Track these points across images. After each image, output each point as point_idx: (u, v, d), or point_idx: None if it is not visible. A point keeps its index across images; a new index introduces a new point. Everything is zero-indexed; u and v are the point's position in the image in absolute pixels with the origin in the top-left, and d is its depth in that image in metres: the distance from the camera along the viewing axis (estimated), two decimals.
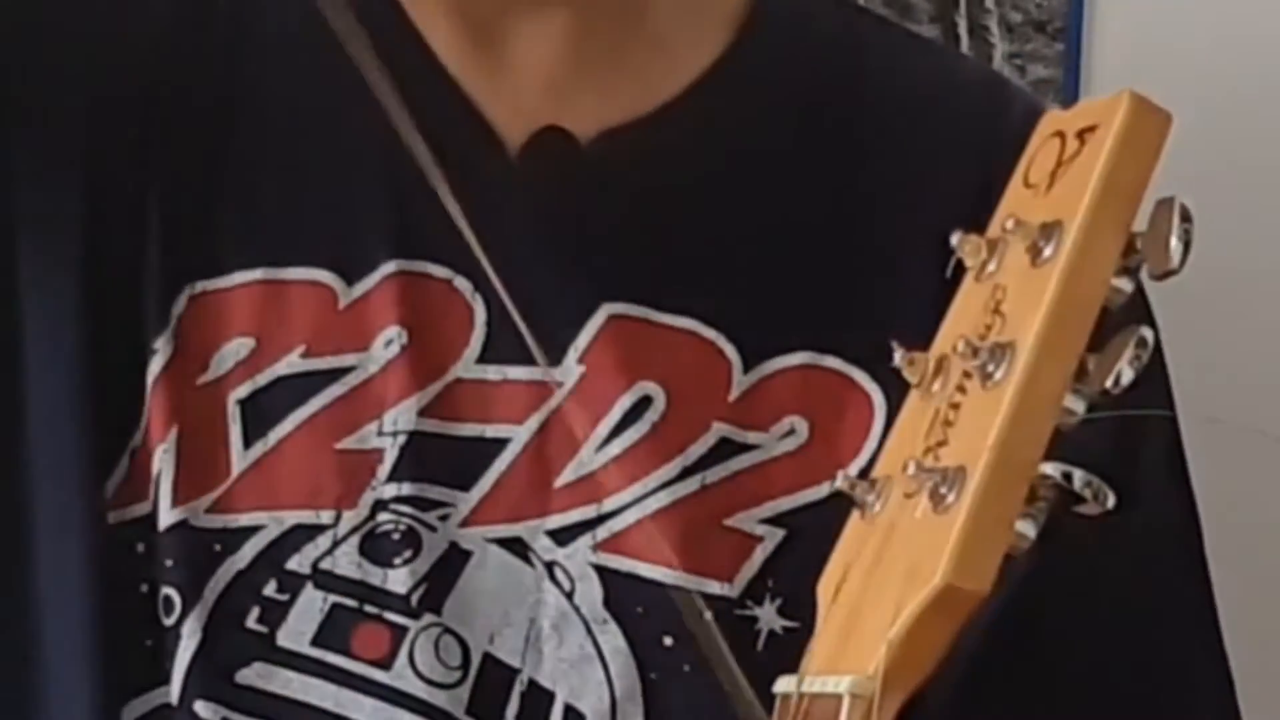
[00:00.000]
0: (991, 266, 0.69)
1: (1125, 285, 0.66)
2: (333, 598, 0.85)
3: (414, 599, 0.85)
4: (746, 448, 0.87)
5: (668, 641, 0.84)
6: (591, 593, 0.85)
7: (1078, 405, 0.65)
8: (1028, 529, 0.65)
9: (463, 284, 0.87)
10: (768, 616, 0.84)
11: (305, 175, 0.88)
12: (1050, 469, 0.64)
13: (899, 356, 0.69)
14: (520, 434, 0.86)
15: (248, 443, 0.86)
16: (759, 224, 0.89)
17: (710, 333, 0.87)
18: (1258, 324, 1.59)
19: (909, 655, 0.64)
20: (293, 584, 0.85)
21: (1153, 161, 0.67)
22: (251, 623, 0.85)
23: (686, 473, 0.86)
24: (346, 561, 0.85)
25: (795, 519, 0.86)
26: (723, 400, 0.87)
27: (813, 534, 0.85)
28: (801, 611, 0.82)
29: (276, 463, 0.86)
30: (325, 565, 0.85)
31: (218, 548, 0.85)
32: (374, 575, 0.85)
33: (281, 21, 0.90)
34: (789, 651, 0.82)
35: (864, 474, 0.69)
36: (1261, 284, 1.59)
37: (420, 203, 0.87)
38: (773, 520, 0.86)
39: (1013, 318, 0.67)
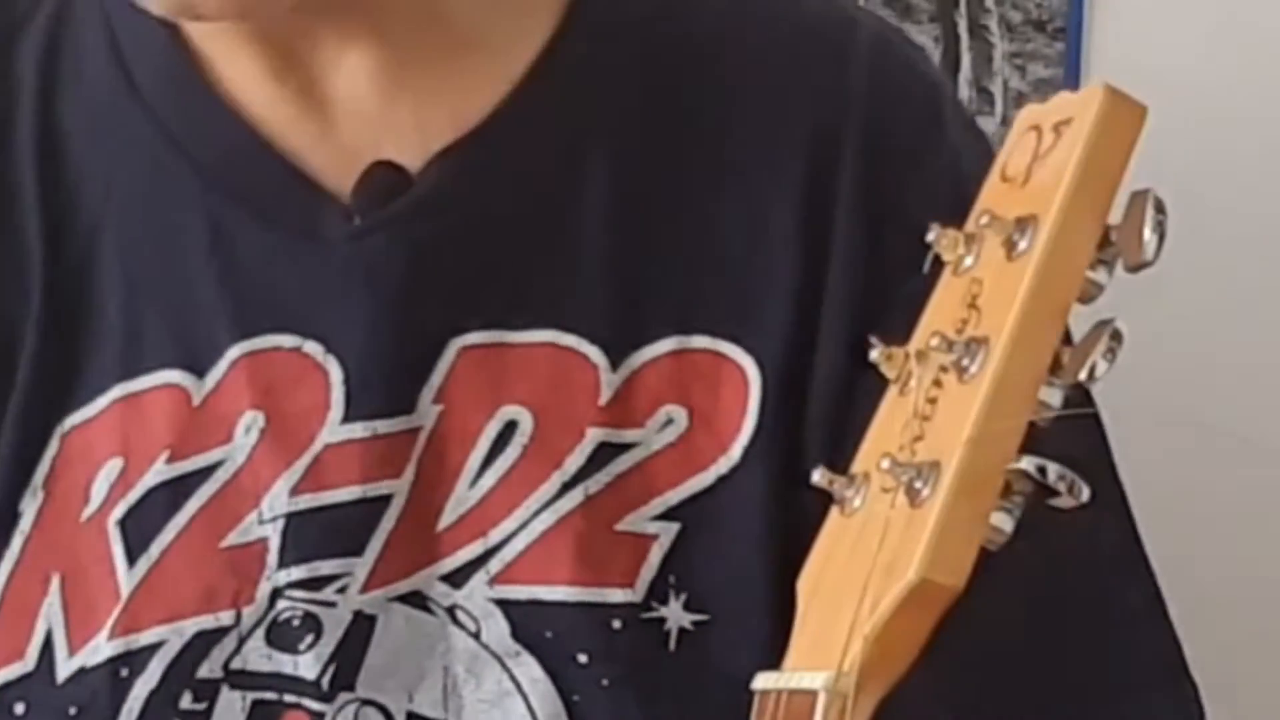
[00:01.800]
0: (968, 261, 0.69)
1: (1100, 278, 0.66)
2: (251, 695, 0.82)
3: (324, 683, 0.83)
4: (626, 447, 0.84)
5: (582, 659, 0.82)
6: (498, 628, 0.82)
7: (1053, 398, 0.65)
8: (1003, 523, 0.65)
9: (313, 348, 0.84)
10: (675, 615, 0.82)
11: (139, 275, 0.86)
12: (1025, 463, 0.64)
13: (876, 353, 0.69)
14: (401, 487, 0.83)
15: (131, 561, 0.83)
16: (603, 216, 0.86)
17: (570, 339, 0.84)
18: (1257, 322, 1.59)
19: (885, 650, 0.64)
20: (208, 691, 0.82)
21: (1128, 154, 0.67)
22: None
23: (566, 487, 0.83)
24: (256, 656, 0.83)
25: (687, 510, 0.84)
26: (593, 405, 0.84)
27: (707, 523, 0.83)
28: (709, 604, 0.83)
29: (165, 573, 0.83)
30: (236, 664, 0.82)
31: (124, 672, 0.82)
32: (285, 664, 0.83)
33: (91, 98, 0.87)
34: (702, 647, 0.82)
35: (750, 449, 0.68)
36: (1259, 282, 1.59)
37: (255, 275, 0.85)
38: (664, 516, 0.84)
39: (988, 312, 0.66)
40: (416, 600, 0.83)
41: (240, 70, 0.86)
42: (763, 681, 0.67)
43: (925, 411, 0.67)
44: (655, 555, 0.83)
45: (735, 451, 0.84)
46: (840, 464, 0.69)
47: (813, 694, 0.64)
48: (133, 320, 0.85)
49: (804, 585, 0.69)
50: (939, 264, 0.70)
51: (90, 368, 0.85)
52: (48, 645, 0.83)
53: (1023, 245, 0.66)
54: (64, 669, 0.83)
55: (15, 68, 0.88)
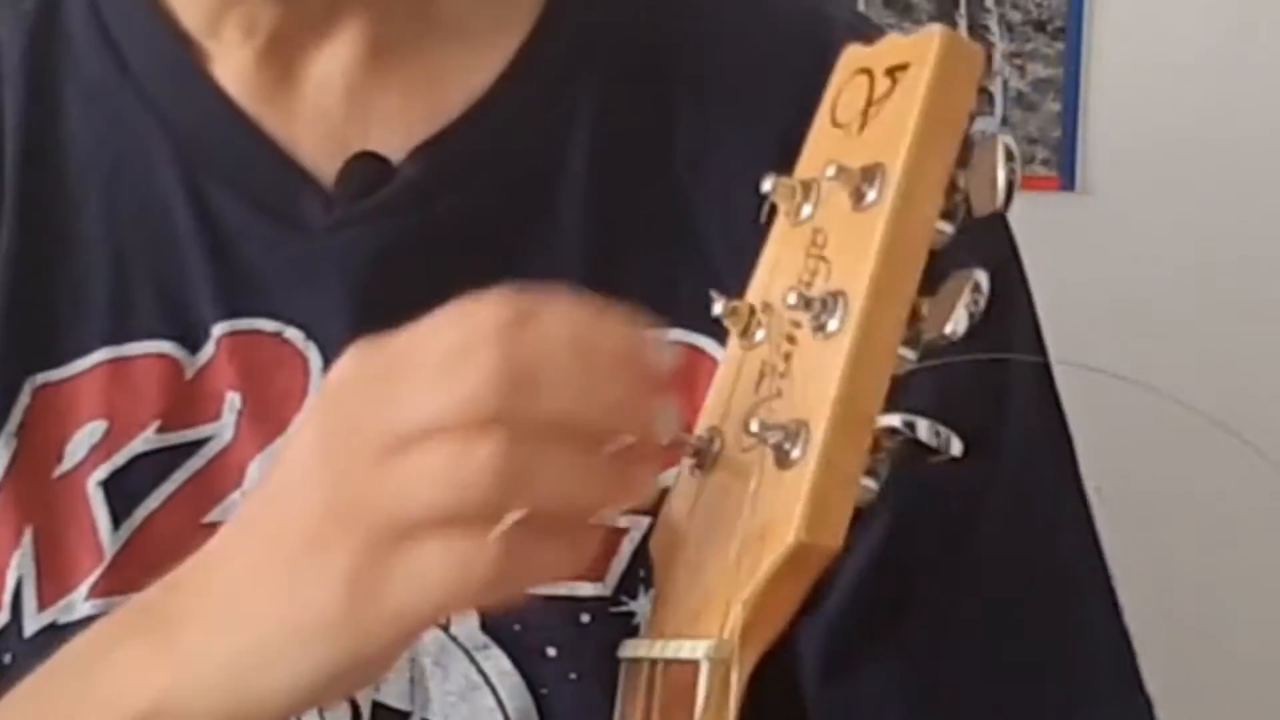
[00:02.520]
0: (807, 210, 0.68)
1: (947, 227, 0.66)
2: None
3: None
4: None
5: (551, 652, 0.81)
6: (468, 620, 0.82)
7: (911, 353, 0.65)
8: (871, 482, 0.64)
9: (293, 334, 0.84)
10: (645, 609, 0.82)
11: (128, 247, 0.85)
12: (894, 419, 0.64)
13: (720, 305, 0.68)
14: None
15: (116, 524, 0.82)
16: (583, 208, 0.86)
17: None
18: (1258, 320, 1.61)
19: (761, 615, 0.63)
20: None
21: (970, 99, 0.66)
22: None
23: None
24: None
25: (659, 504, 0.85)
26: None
27: (673, 512, 0.83)
28: None
29: (146, 541, 0.82)
30: None
31: None
32: None
33: (84, 83, 0.87)
34: None
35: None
36: (1261, 279, 1.61)
37: (239, 257, 0.85)
38: (635, 509, 0.84)
39: (840, 265, 0.66)
40: None
41: (228, 54, 0.86)
42: (632, 649, 0.66)
43: (780, 368, 0.66)
44: (626, 548, 0.82)
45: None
46: None
47: (693, 663, 0.63)
48: (120, 287, 0.85)
49: (659, 550, 0.68)
50: (772, 213, 0.69)
51: (70, 328, 0.84)
52: (17, 598, 0.82)
53: (871, 195, 0.65)
54: (32, 623, 0.82)
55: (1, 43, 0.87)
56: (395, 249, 0.85)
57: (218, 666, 0.66)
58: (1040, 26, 1.64)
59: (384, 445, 0.63)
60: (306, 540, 0.64)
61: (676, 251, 0.85)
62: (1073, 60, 1.66)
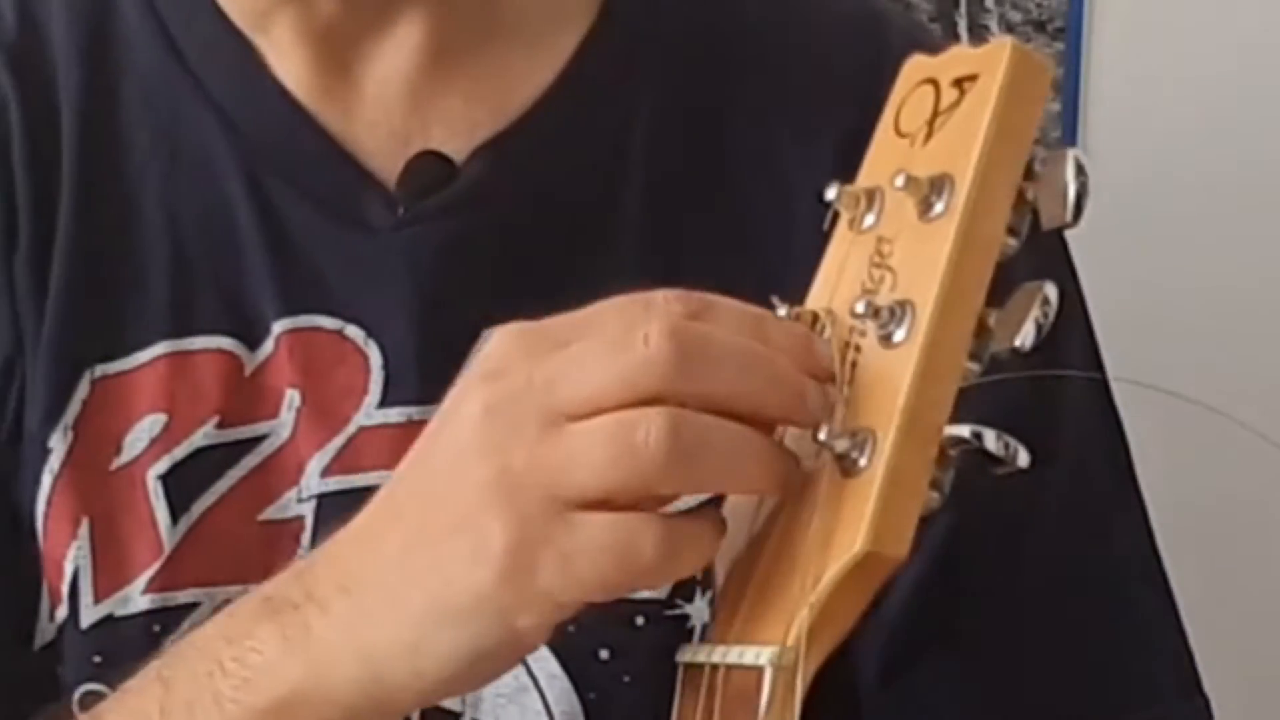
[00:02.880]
0: (870, 219, 0.68)
1: (1014, 240, 0.66)
2: None
3: None
4: None
5: (603, 655, 0.82)
6: None
7: (975, 365, 0.65)
8: (936, 492, 0.64)
9: (354, 332, 0.84)
10: (699, 612, 0.82)
11: (188, 242, 0.85)
12: (962, 430, 0.64)
13: (784, 311, 0.68)
14: None
15: (174, 518, 0.82)
16: (643, 206, 0.86)
17: None
18: (1258, 320, 1.61)
19: (825, 622, 0.64)
20: None
21: (1038, 112, 0.67)
22: None
23: None
24: None
25: (715, 505, 0.85)
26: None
27: (737, 519, 0.84)
28: None
29: (203, 536, 0.83)
30: None
31: (157, 629, 0.82)
32: None
33: (142, 80, 0.87)
34: None
35: None
36: (1262, 279, 1.61)
37: (301, 254, 0.85)
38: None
39: (906, 275, 0.66)
40: None
41: (289, 54, 0.86)
42: (691, 654, 0.66)
43: (846, 376, 0.66)
44: None
45: None
46: None
47: (758, 670, 0.63)
48: (181, 282, 0.85)
49: (722, 555, 0.68)
50: (834, 220, 0.69)
51: (130, 321, 0.84)
52: (74, 589, 0.82)
53: (939, 207, 0.66)
54: (88, 615, 0.82)
55: (53, 35, 0.87)
56: (458, 248, 0.85)
57: (357, 654, 0.65)
58: (1040, 26, 1.63)
59: (549, 419, 0.62)
60: (461, 517, 0.63)
61: (734, 253, 0.86)
62: (1073, 60, 1.66)
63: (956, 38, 1.56)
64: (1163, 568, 0.88)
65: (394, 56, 0.85)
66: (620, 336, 0.62)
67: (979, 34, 1.59)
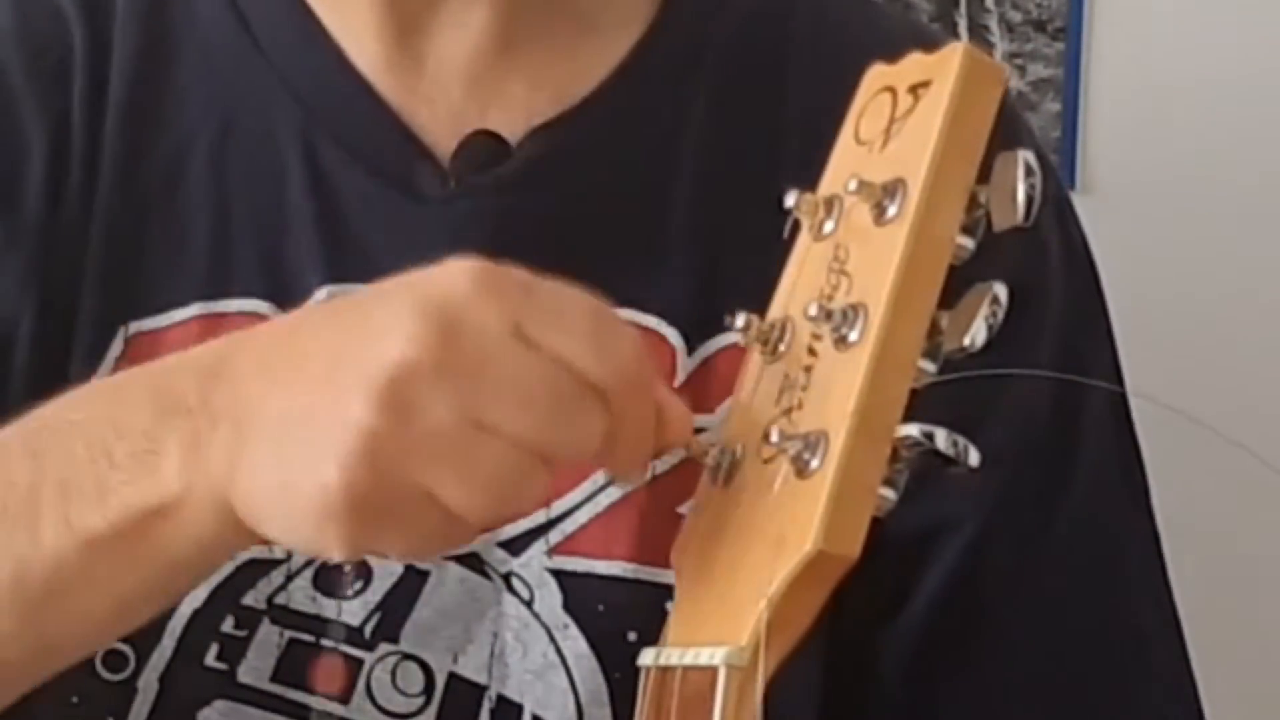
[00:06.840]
0: (829, 226, 0.69)
1: (967, 242, 0.67)
2: (289, 633, 0.83)
3: (368, 630, 0.83)
4: (696, 431, 0.85)
5: (631, 637, 0.82)
6: (550, 598, 0.83)
7: (930, 365, 0.66)
8: (889, 492, 0.65)
9: None
10: None
11: (234, 204, 0.86)
12: (912, 430, 0.65)
13: (741, 320, 0.68)
14: None
15: None
16: (692, 201, 0.87)
17: (650, 319, 0.85)
18: (1258, 320, 1.61)
19: (780, 622, 0.64)
20: (250, 619, 0.83)
21: (991, 115, 0.67)
22: (211, 660, 0.83)
23: None
24: (301, 595, 0.83)
25: None
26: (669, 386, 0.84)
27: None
28: None
29: None
30: (280, 600, 0.83)
31: None
32: (329, 608, 0.83)
33: (204, 38, 0.88)
34: None
35: None
36: (1262, 279, 1.61)
37: (349, 222, 0.85)
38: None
39: (860, 278, 0.66)
40: (473, 562, 0.84)
41: (353, 25, 0.88)
42: (650, 658, 0.66)
43: (802, 380, 0.67)
44: None
45: None
46: None
47: (712, 670, 0.64)
48: (222, 244, 0.85)
49: (680, 558, 0.69)
50: (796, 229, 0.70)
51: (167, 279, 0.85)
52: None
53: (892, 210, 0.66)
54: None
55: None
56: (507, 225, 0.85)
57: (231, 485, 0.66)
58: (1040, 26, 1.63)
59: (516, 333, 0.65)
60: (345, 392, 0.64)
61: (779, 254, 0.86)
62: (1073, 60, 1.65)
63: (956, 38, 1.56)
64: (1170, 589, 0.89)
65: (460, 35, 0.87)
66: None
67: (979, 34, 1.59)
